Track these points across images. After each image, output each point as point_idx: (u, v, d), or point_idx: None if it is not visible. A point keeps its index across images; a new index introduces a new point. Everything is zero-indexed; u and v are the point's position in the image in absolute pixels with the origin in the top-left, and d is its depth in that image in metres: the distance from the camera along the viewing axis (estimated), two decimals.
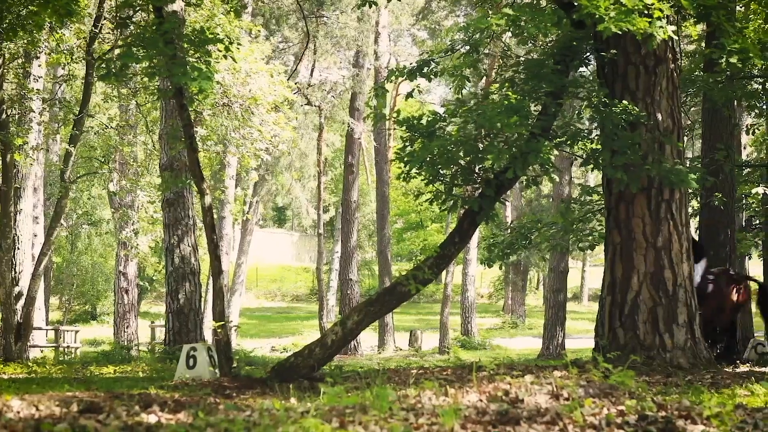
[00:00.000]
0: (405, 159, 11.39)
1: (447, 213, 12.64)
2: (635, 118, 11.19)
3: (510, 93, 11.75)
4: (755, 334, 20.40)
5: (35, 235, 22.81)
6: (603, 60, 11.73)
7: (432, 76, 12.13)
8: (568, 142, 11.97)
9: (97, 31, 18.65)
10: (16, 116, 20.04)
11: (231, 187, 29.19)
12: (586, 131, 12.25)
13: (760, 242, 19.19)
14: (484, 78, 28.31)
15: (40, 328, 23.34)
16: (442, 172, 11.64)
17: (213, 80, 11.25)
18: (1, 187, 18.34)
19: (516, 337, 38.82)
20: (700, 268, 12.77)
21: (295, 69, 32.91)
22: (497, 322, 43.73)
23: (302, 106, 33.88)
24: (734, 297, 12.98)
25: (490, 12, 13.62)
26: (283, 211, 66.81)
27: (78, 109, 19.26)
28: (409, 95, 12.70)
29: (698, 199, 15.36)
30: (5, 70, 18.67)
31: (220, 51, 11.83)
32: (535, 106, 12.14)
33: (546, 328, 29.56)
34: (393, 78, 12.37)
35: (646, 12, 9.77)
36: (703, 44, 16.58)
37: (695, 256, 12.21)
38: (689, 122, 20.59)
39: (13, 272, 19.55)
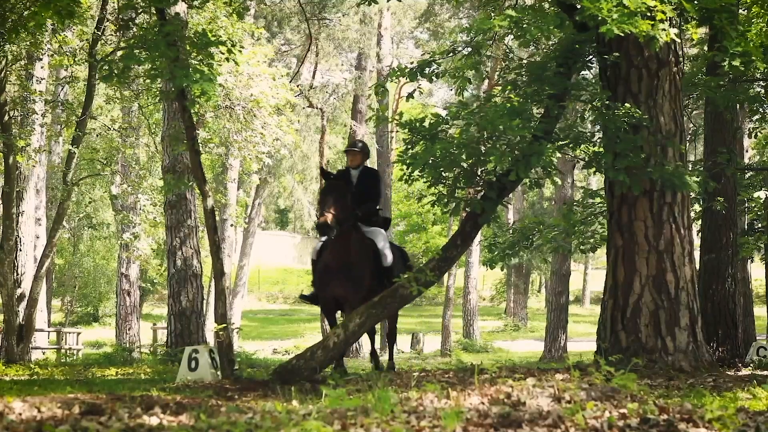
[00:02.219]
0: (407, 161, 11.39)
1: (449, 215, 12.64)
2: (638, 121, 11.19)
3: (512, 96, 11.76)
4: (757, 337, 20.42)
5: (37, 237, 22.83)
6: (605, 63, 11.73)
7: (433, 77, 12.14)
8: (571, 145, 11.97)
9: (99, 33, 18.67)
10: (19, 118, 20.07)
11: (233, 190, 29.20)
12: (588, 134, 12.25)
13: (762, 246, 19.20)
14: (487, 80, 28.33)
15: (42, 330, 23.38)
16: (444, 174, 11.64)
17: (215, 83, 11.27)
18: (3, 189, 18.36)
19: (518, 339, 38.82)
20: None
21: (297, 71, 32.93)
22: (499, 325, 43.72)
23: (304, 109, 33.90)
24: None
25: (493, 14, 13.62)
26: (285, 213, 66.82)
27: (80, 111, 19.28)
28: (410, 96, 12.72)
29: (700, 202, 15.35)
30: (8, 72, 18.69)
31: (223, 54, 11.84)
32: (537, 108, 12.14)
33: (548, 330, 29.58)
34: (394, 78, 12.39)
35: (648, 14, 9.77)
36: (705, 48, 16.58)
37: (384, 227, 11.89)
38: (692, 125, 20.58)
39: (15, 274, 19.57)
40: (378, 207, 11.77)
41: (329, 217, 10.51)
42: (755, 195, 16.90)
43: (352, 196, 11.10)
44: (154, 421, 5.58)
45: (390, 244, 11.96)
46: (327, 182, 11.00)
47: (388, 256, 11.38)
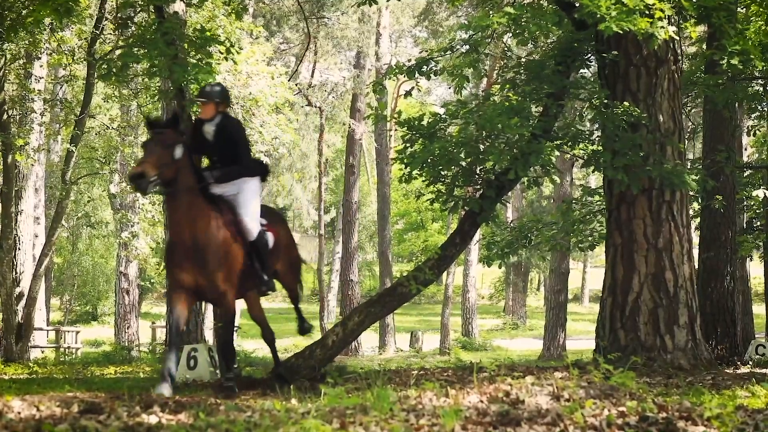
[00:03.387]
0: (406, 160, 11.40)
1: (448, 214, 12.64)
2: (636, 120, 11.20)
3: (511, 94, 11.76)
4: (756, 336, 20.43)
5: (36, 236, 22.81)
6: (604, 61, 11.73)
7: (431, 75, 12.14)
8: (569, 144, 11.97)
9: (98, 32, 18.66)
10: (18, 117, 20.06)
11: None
12: (587, 132, 12.25)
13: (761, 244, 19.20)
14: (485, 79, 28.33)
15: (41, 329, 23.35)
16: (443, 173, 11.64)
17: (213, 75, 11.26)
18: (2, 188, 18.34)
19: (517, 338, 38.82)
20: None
21: (296, 70, 32.93)
22: (498, 323, 43.73)
23: (303, 107, 33.91)
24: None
25: (491, 12, 13.63)
26: (284, 211, 66.82)
27: (79, 109, 19.27)
28: (408, 93, 12.71)
29: (699, 200, 15.36)
30: (7, 71, 18.68)
31: (222, 53, 11.85)
32: (536, 107, 12.15)
33: (547, 329, 29.56)
34: (392, 75, 12.38)
35: (647, 12, 9.77)
36: (704, 46, 16.58)
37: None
38: (690, 124, 20.57)
39: (14, 273, 19.56)
40: (241, 169, 9.20)
41: (144, 166, 8.22)
42: (754, 193, 16.89)
43: (208, 152, 9.10)
44: (153, 419, 5.58)
45: (267, 210, 9.82)
46: (151, 133, 8.66)
47: (252, 229, 9.01)
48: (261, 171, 9.51)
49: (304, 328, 10.86)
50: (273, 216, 9.90)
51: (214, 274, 8.65)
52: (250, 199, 9.12)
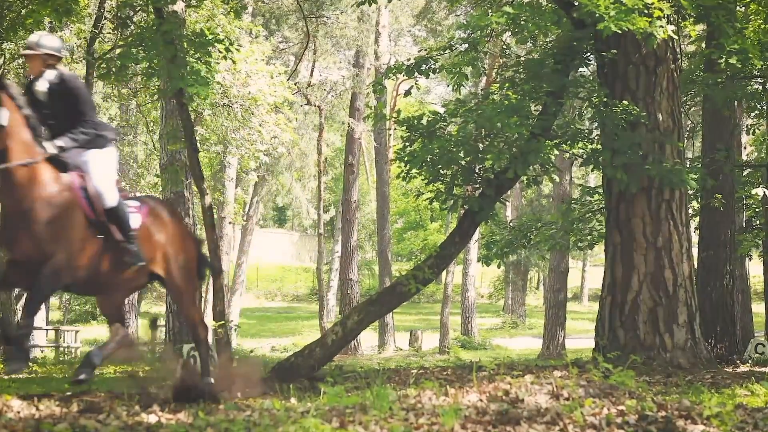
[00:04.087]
0: (405, 159, 11.40)
1: (447, 213, 12.64)
2: (635, 118, 11.20)
3: (510, 93, 11.76)
4: (755, 334, 20.43)
5: None
6: (603, 60, 11.73)
7: (430, 74, 12.14)
8: (569, 142, 11.98)
9: (97, 31, 18.65)
10: None
11: (231, 188, 29.19)
12: (586, 131, 12.25)
13: (760, 243, 19.21)
14: (485, 78, 28.31)
15: (40, 328, 23.36)
16: (442, 171, 11.65)
17: (211, 85, 11.26)
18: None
19: (516, 337, 38.79)
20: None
21: (295, 69, 32.90)
22: (497, 322, 43.70)
23: (302, 106, 33.88)
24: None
25: (490, 11, 13.63)
26: (283, 210, 66.78)
27: None
28: (408, 92, 12.72)
29: (698, 199, 15.36)
30: (6, 70, 18.66)
31: (221, 52, 11.85)
32: (535, 106, 12.15)
33: (546, 328, 29.53)
34: (391, 74, 12.38)
35: (646, 11, 9.78)
36: (703, 45, 16.58)
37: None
38: (690, 122, 20.57)
39: None
40: (88, 129, 7.56)
41: None
42: (753, 192, 16.90)
43: (43, 115, 7.45)
44: (152, 418, 5.58)
45: (148, 197, 8.65)
46: None
47: (105, 193, 7.47)
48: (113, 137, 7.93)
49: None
50: (150, 202, 8.39)
51: (41, 235, 7.08)
52: (103, 162, 7.61)
